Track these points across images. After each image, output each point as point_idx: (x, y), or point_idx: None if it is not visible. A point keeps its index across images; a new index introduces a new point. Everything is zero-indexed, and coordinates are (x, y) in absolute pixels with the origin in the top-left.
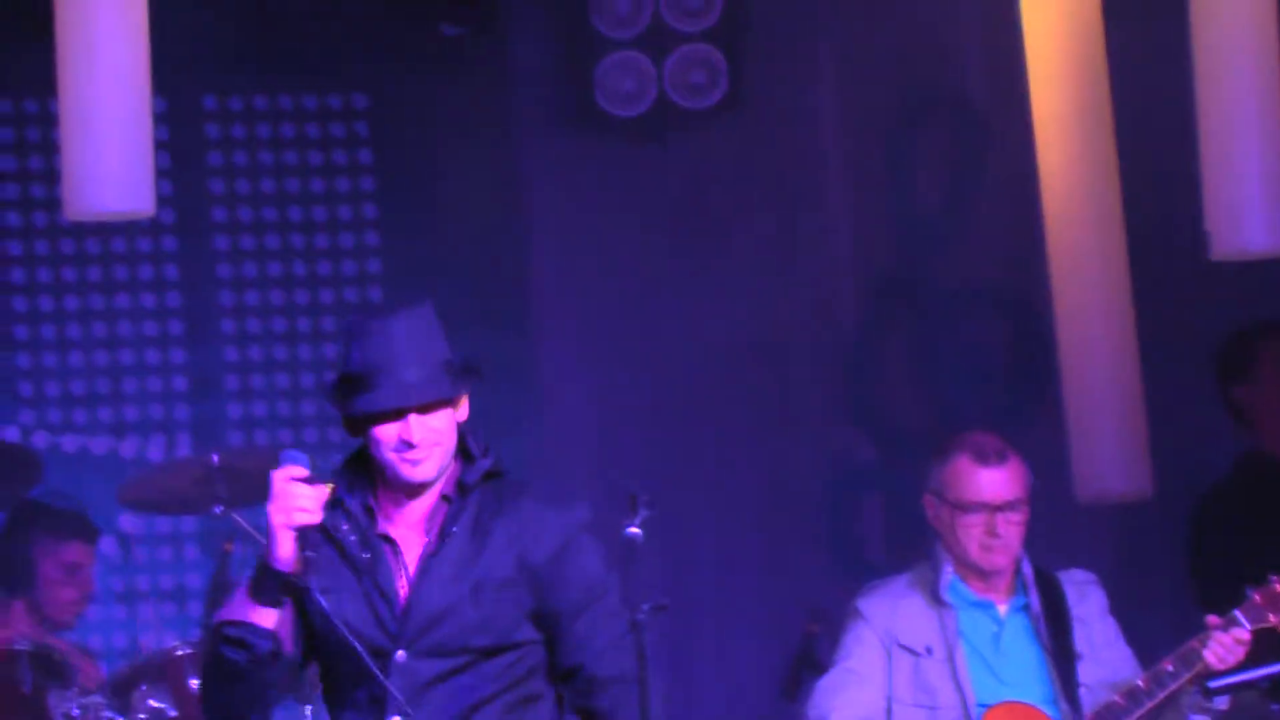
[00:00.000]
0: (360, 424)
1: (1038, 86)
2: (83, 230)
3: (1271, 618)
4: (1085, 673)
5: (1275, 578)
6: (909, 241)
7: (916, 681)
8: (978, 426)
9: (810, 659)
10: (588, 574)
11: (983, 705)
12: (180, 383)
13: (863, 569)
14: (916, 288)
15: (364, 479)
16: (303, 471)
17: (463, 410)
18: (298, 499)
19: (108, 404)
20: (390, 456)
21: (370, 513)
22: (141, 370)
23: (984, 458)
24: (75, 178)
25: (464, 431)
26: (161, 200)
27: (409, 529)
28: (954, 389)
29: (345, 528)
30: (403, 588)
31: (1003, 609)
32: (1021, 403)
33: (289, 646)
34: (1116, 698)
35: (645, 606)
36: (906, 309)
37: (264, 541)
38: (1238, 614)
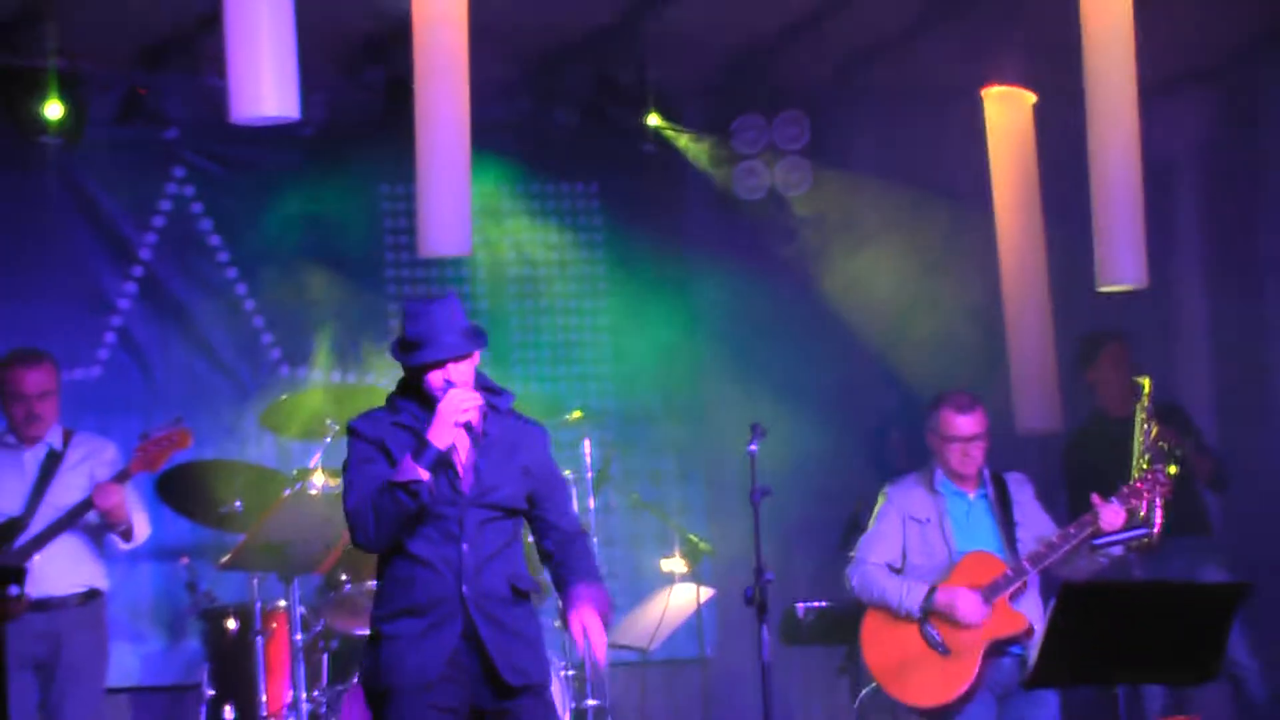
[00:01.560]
0: (416, 371)
1: (998, 184)
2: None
3: (1133, 502)
4: (1021, 534)
5: (1134, 481)
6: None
7: (921, 538)
8: (957, 388)
9: (856, 523)
10: (557, 468)
11: (960, 552)
12: None
13: (889, 471)
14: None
15: (413, 401)
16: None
17: (476, 359)
18: (465, 402)
19: None
20: (439, 391)
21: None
22: None
23: (960, 408)
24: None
25: (481, 373)
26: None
27: (459, 432)
28: (944, 366)
29: (415, 424)
30: (459, 463)
31: (972, 496)
32: (984, 374)
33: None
34: (1040, 547)
35: (758, 493)
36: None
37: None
38: (1113, 498)
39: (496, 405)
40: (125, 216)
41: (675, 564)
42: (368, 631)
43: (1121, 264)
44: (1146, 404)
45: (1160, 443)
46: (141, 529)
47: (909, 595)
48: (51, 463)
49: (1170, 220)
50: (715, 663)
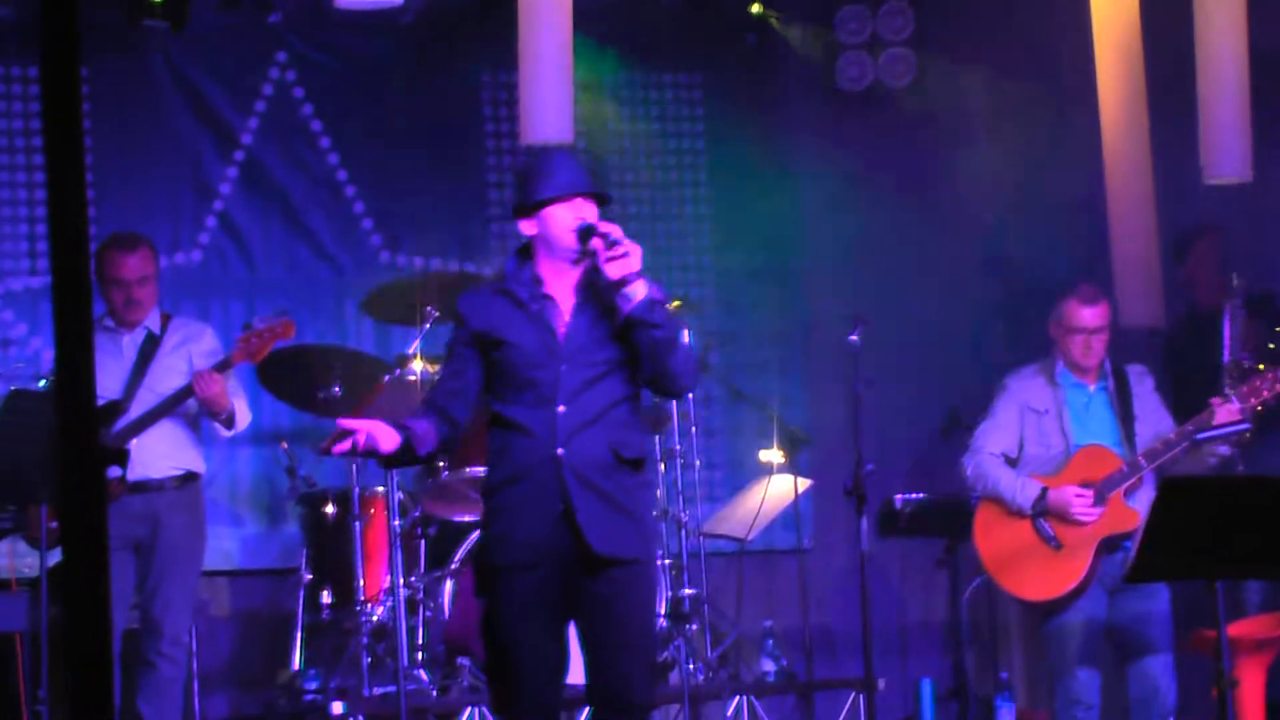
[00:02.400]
0: (536, 209)
1: (1103, 74)
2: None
3: (1251, 400)
4: (1140, 427)
5: (1254, 380)
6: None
7: (1038, 429)
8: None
9: (956, 416)
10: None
11: (1076, 445)
12: None
13: (989, 364)
14: (1033, 200)
15: (527, 263)
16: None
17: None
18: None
19: None
20: (565, 230)
21: (537, 280)
22: None
23: (1085, 299)
24: None
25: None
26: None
27: (563, 293)
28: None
29: (519, 290)
30: (559, 326)
31: (1092, 388)
32: (1087, 267)
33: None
34: (1156, 444)
35: (860, 384)
36: (1016, 224)
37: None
38: (1233, 397)
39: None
40: (227, 101)
41: (773, 455)
42: (465, 518)
43: (1227, 157)
44: (1234, 298)
45: (1257, 340)
46: (243, 416)
47: (1022, 492)
48: (150, 346)
49: (1276, 114)
50: (812, 554)
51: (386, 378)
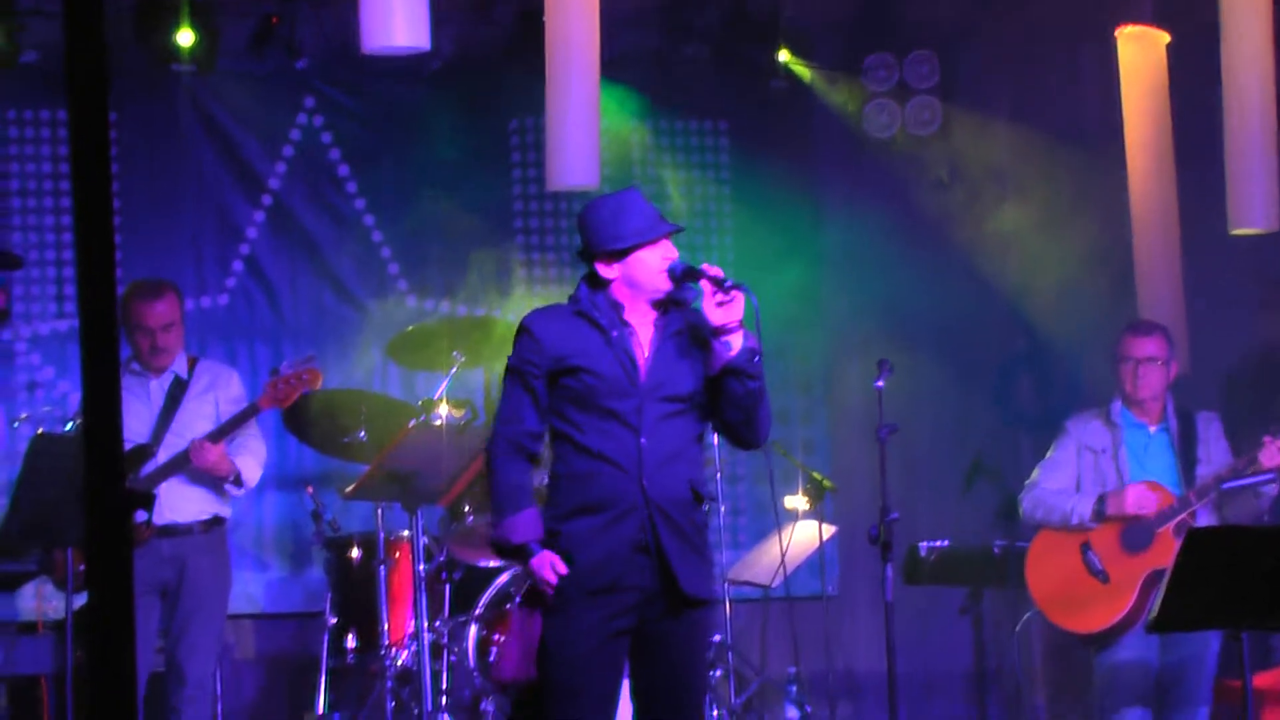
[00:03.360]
0: (624, 254)
1: (1130, 125)
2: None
3: None
4: (1202, 470)
5: None
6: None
7: (1094, 467)
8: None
9: (980, 464)
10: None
11: (1131, 481)
12: None
13: (1014, 413)
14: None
15: (602, 291)
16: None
17: None
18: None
19: None
20: (654, 272)
21: (617, 307)
22: None
23: (1138, 330)
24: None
25: None
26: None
27: (641, 323)
28: (1073, 310)
29: (597, 315)
30: (640, 356)
31: (1152, 429)
32: (1113, 318)
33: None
34: (1207, 479)
35: (885, 430)
36: (1040, 273)
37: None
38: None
39: (683, 299)
40: (255, 145)
41: (798, 501)
42: (490, 563)
43: (1254, 207)
44: None
45: None
46: (252, 474)
47: (1079, 505)
48: (177, 391)
49: None
50: (837, 600)
51: (412, 422)
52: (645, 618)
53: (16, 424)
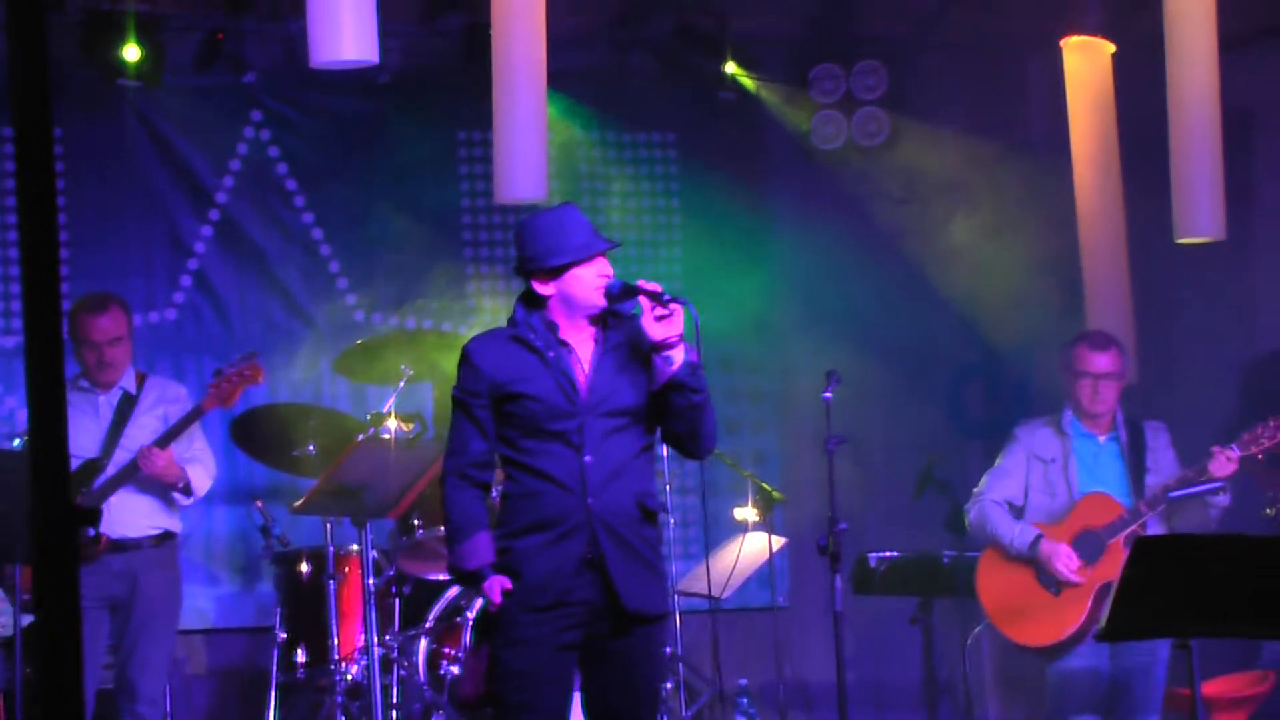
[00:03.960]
0: (559, 272)
1: (1076, 135)
2: None
3: (1251, 449)
4: (1151, 479)
5: (1256, 426)
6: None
7: (1044, 477)
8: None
9: (929, 475)
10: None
11: (1081, 493)
12: None
13: (963, 423)
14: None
15: (538, 311)
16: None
17: None
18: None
19: None
20: (590, 289)
21: (552, 327)
22: None
23: (1095, 345)
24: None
25: None
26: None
27: (579, 339)
28: (1021, 319)
29: (533, 337)
30: (579, 375)
31: (1102, 439)
32: (1061, 327)
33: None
34: (1156, 490)
35: (833, 441)
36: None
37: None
38: (1234, 444)
39: (621, 312)
40: (202, 160)
41: (748, 512)
42: (439, 576)
43: (1200, 216)
44: None
45: None
46: (201, 483)
47: (1019, 536)
48: (126, 406)
49: (1249, 173)
50: (787, 611)
51: (360, 436)
52: (593, 633)
53: None
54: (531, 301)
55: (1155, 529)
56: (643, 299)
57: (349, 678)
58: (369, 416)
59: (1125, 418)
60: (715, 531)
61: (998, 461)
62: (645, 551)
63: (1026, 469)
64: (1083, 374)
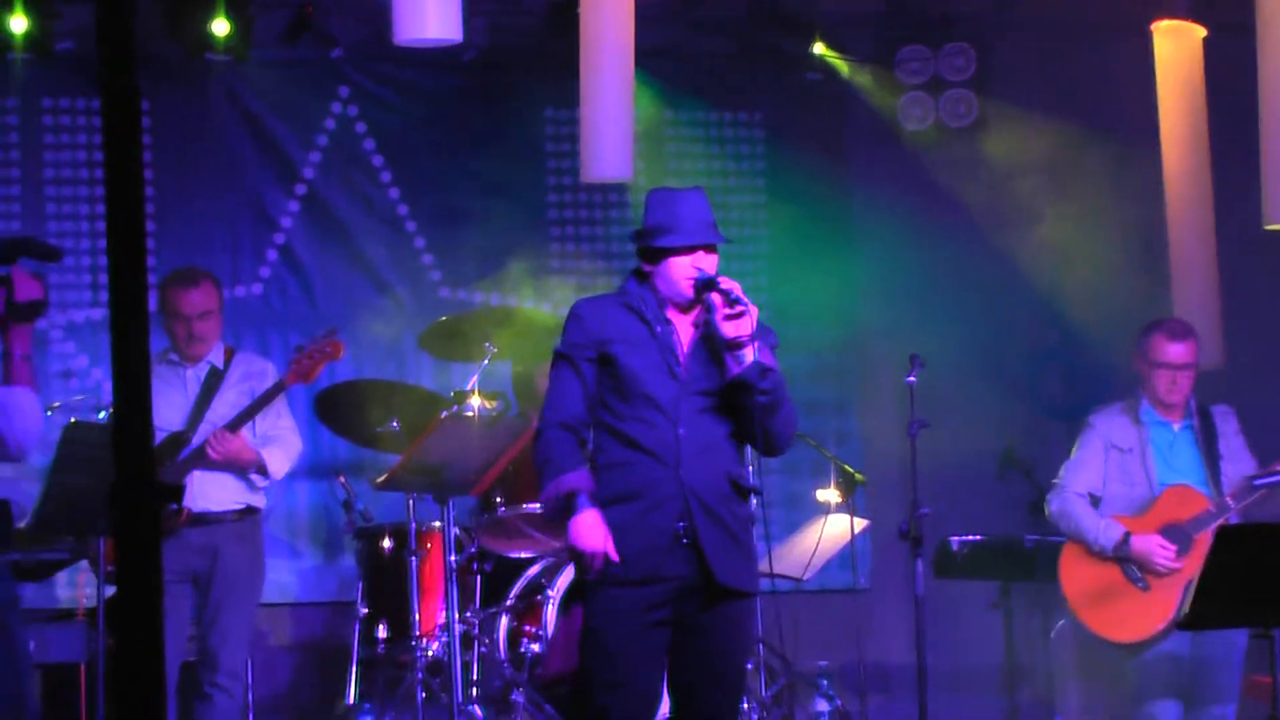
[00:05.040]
0: (658, 255)
1: (1165, 120)
2: None
3: None
4: (1225, 466)
5: None
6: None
7: (1122, 467)
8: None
9: (1010, 458)
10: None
11: (1163, 484)
12: None
13: (1045, 406)
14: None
15: (648, 287)
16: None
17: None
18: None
19: None
20: (681, 280)
21: (662, 303)
22: None
23: (1173, 334)
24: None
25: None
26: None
27: (681, 320)
28: (1106, 304)
29: (644, 308)
30: (680, 351)
31: (1176, 427)
32: (1147, 312)
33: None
34: (1242, 483)
35: (916, 425)
36: (1075, 267)
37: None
38: None
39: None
40: (290, 135)
41: (830, 494)
42: (521, 554)
43: None
44: None
45: None
46: (279, 465)
47: (1105, 533)
48: (213, 380)
49: None
50: (868, 593)
51: (444, 413)
52: (684, 609)
53: (50, 412)
54: (641, 276)
55: (1235, 519)
56: (715, 296)
57: (430, 654)
58: (452, 394)
59: (1196, 404)
60: (797, 512)
61: (1074, 452)
62: (736, 528)
63: (1104, 459)
64: (1160, 364)
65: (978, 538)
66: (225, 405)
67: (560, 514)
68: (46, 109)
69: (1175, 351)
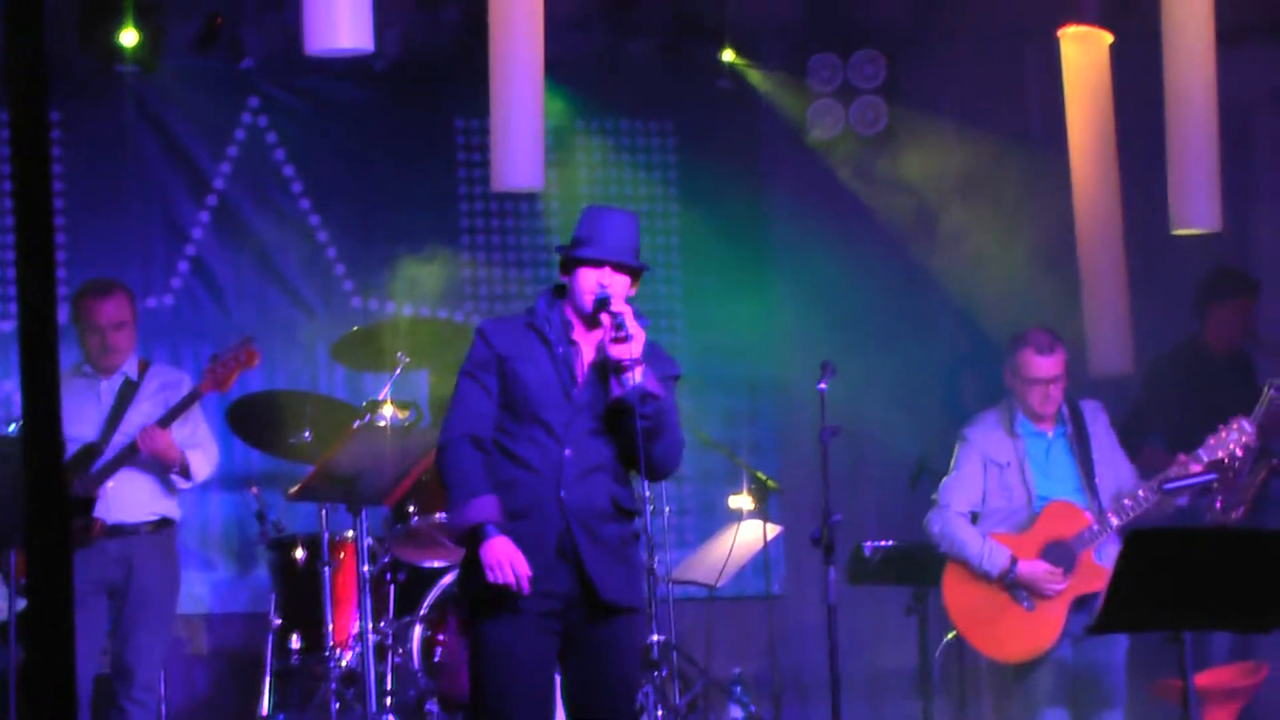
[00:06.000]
0: (571, 265)
1: (1073, 125)
2: None
3: (1219, 453)
4: (1100, 471)
5: (1221, 426)
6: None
7: (1000, 481)
8: (1038, 326)
9: (924, 464)
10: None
11: (1042, 497)
12: None
13: (959, 412)
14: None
15: (559, 305)
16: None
17: (632, 288)
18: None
19: None
20: (585, 293)
21: (567, 324)
22: None
23: (1041, 349)
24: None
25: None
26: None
27: (586, 342)
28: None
29: (547, 329)
30: (580, 373)
31: (1050, 434)
32: (1058, 317)
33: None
34: (1125, 500)
35: (827, 432)
36: (987, 273)
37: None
38: (1200, 452)
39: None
40: (200, 145)
41: (743, 501)
42: (435, 564)
43: (1196, 207)
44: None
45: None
46: (200, 468)
47: (989, 559)
48: (127, 391)
49: (1245, 165)
50: (783, 599)
51: (357, 423)
52: (570, 622)
53: None
54: (557, 293)
55: (1113, 534)
56: (605, 316)
57: (344, 664)
58: (365, 404)
59: (1067, 405)
60: (711, 519)
61: (952, 468)
62: (618, 545)
63: (983, 474)
64: (1032, 380)
65: (890, 543)
66: (139, 416)
67: (469, 539)
68: None
69: (1045, 366)
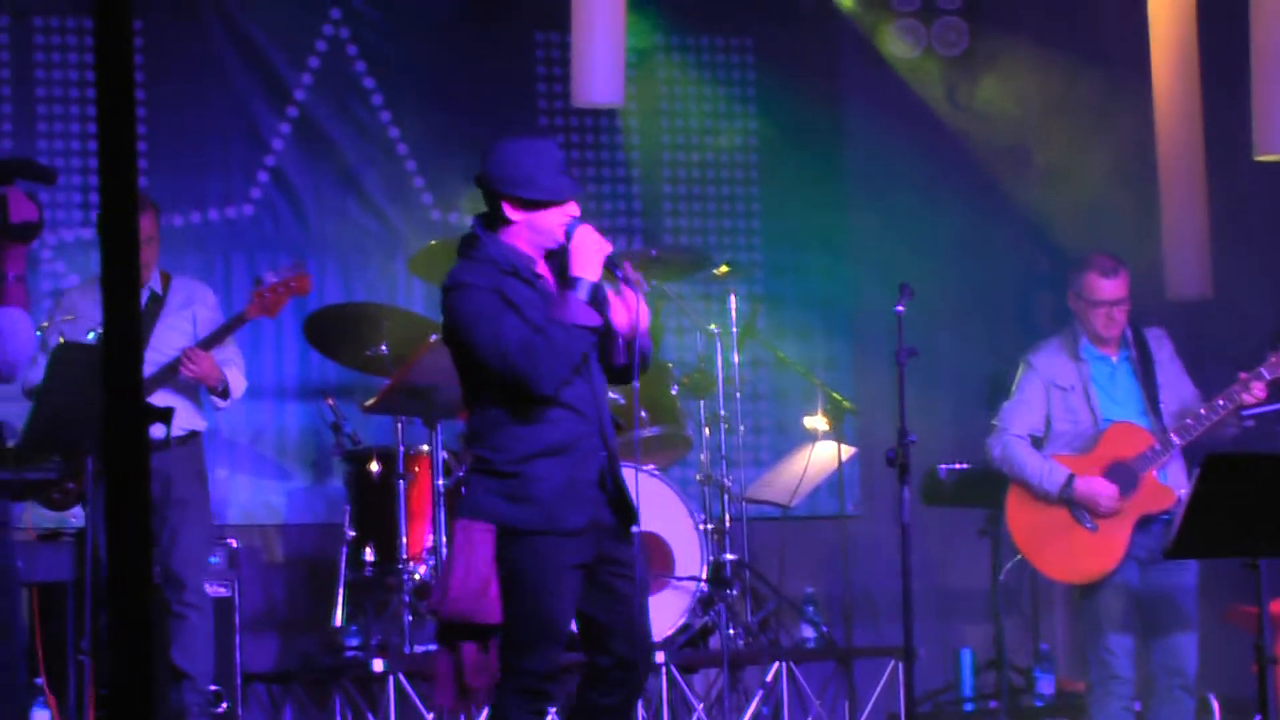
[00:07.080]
0: (535, 205)
1: (1156, 48)
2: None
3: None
4: (1164, 395)
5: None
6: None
7: (1065, 405)
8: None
9: (1000, 384)
10: None
11: (1107, 420)
12: None
13: (1034, 333)
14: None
15: (507, 244)
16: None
17: None
18: (599, 240)
19: None
20: (555, 227)
21: (530, 260)
22: None
23: (1105, 271)
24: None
25: None
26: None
27: (545, 269)
28: (1095, 230)
29: (522, 269)
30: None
31: (1115, 359)
32: (1135, 239)
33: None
34: (1187, 419)
35: (904, 353)
36: (1064, 194)
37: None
38: (1262, 369)
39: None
40: (281, 56)
41: (818, 421)
42: None
43: (1278, 133)
44: None
45: None
46: (238, 385)
47: (1049, 477)
48: (154, 307)
49: None
50: (856, 520)
51: (434, 337)
52: (602, 551)
53: (39, 331)
54: (492, 224)
55: (1177, 453)
56: (626, 289)
57: (416, 577)
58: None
59: (1131, 331)
60: (785, 439)
61: (1014, 392)
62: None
63: (1046, 399)
64: (1096, 302)
65: (966, 465)
66: (168, 331)
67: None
68: (38, 28)
69: (1110, 288)
